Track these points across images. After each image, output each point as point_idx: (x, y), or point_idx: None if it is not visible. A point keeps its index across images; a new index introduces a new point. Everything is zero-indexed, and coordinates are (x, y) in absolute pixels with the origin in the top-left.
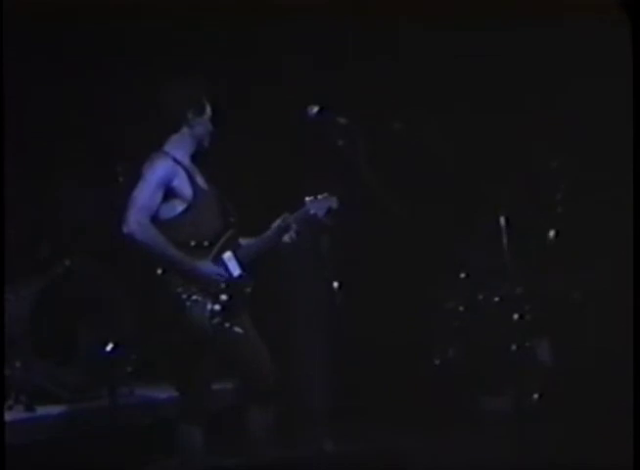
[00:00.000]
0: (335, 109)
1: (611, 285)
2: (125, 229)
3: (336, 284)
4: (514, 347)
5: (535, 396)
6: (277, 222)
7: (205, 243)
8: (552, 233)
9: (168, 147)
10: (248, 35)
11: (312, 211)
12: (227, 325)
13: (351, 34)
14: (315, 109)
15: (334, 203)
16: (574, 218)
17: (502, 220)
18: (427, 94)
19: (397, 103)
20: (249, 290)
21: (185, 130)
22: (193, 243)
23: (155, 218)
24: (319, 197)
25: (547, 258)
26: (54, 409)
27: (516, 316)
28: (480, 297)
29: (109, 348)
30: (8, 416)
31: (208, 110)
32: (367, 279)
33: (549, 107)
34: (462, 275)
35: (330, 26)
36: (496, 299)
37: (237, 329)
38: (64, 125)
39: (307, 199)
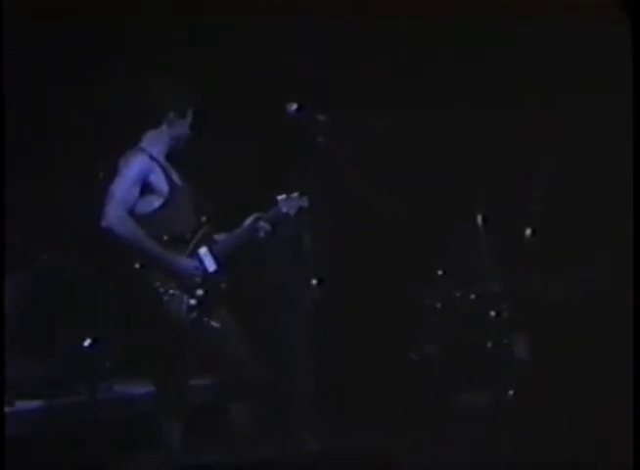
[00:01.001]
0: (315, 106)
1: (588, 282)
2: (104, 223)
3: (315, 281)
4: (491, 344)
5: (512, 392)
6: (249, 220)
7: (182, 238)
8: (529, 231)
9: (145, 143)
10: (231, 34)
11: (284, 210)
12: (204, 320)
13: (342, 33)
14: (294, 106)
15: (305, 202)
16: (553, 217)
17: (479, 219)
18: (412, 94)
19: (379, 102)
20: (224, 285)
21: (164, 129)
22: (169, 238)
23: (132, 213)
24: (291, 196)
25: (525, 256)
26: (33, 404)
27: (493, 313)
28: (458, 294)
29: (87, 343)
30: None
31: (190, 113)
32: (345, 276)
33: (548, 107)
34: (439, 272)
35: (313, 25)
36: (473, 296)
37: (214, 323)
38: (45, 121)
39: (279, 197)
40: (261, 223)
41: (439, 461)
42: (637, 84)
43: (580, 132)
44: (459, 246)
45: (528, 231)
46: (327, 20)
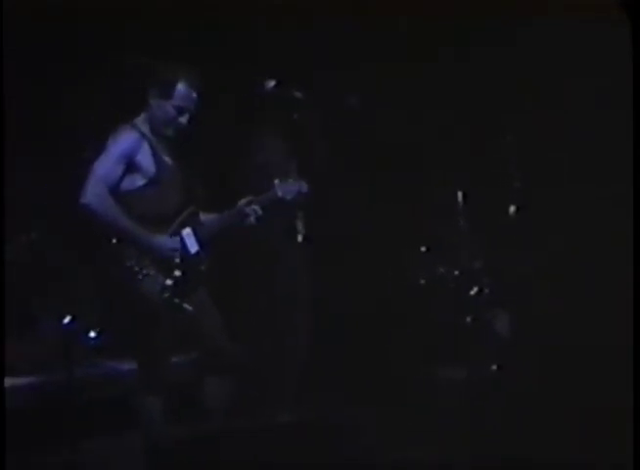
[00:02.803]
0: (293, 83)
1: (570, 258)
2: (82, 200)
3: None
4: (474, 320)
5: (494, 367)
6: (241, 203)
7: (165, 218)
8: (512, 208)
9: (138, 120)
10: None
11: (280, 194)
12: (177, 301)
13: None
14: (272, 83)
15: (304, 187)
16: (534, 194)
17: (460, 195)
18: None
19: (357, 78)
20: (203, 267)
21: (150, 110)
22: (152, 217)
23: (115, 190)
24: (289, 180)
25: (508, 233)
26: (14, 382)
27: (476, 290)
28: (442, 270)
29: (66, 320)
30: None
31: (176, 96)
32: (328, 253)
33: (548, 107)
34: (423, 249)
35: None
36: (457, 272)
37: (186, 306)
38: (28, 96)
39: (276, 181)
40: (253, 207)
41: (422, 436)
42: (637, 84)
43: (580, 132)
44: (443, 222)
45: (512, 208)
46: (327, 20)
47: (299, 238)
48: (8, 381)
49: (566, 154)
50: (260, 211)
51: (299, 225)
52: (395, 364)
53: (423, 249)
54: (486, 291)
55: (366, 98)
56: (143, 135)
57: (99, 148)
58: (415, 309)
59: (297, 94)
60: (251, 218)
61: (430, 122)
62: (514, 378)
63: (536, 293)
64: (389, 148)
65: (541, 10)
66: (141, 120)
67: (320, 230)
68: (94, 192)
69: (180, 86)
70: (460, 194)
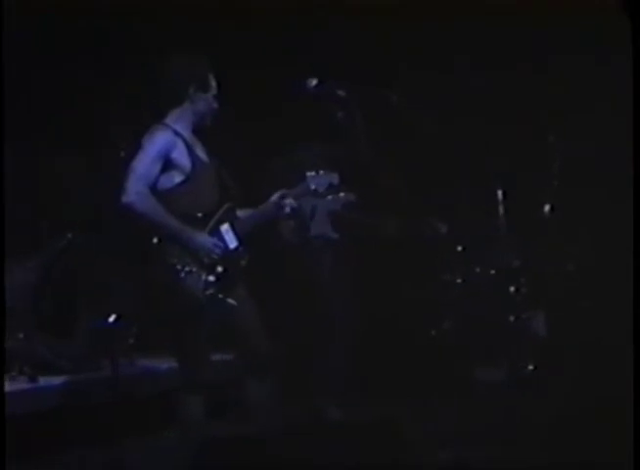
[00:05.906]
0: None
1: (606, 258)
2: (124, 199)
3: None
4: (510, 319)
5: (530, 367)
6: (275, 196)
7: (204, 214)
8: (547, 207)
9: (169, 119)
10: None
11: (313, 187)
12: (220, 297)
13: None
14: (314, 81)
15: (335, 179)
16: (571, 192)
17: (500, 194)
18: (426, 70)
19: (395, 76)
20: (244, 262)
21: (187, 105)
22: (191, 214)
23: (153, 189)
24: (320, 172)
25: (543, 232)
26: (56, 380)
27: (512, 289)
28: (477, 269)
29: (112, 319)
30: (12, 386)
31: (213, 87)
32: (364, 251)
33: (548, 106)
34: (459, 248)
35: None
36: (493, 271)
37: (230, 301)
38: (64, 98)
39: (308, 174)
40: (287, 200)
41: (459, 435)
42: (637, 84)
43: (581, 132)
44: (479, 221)
45: (547, 207)
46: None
47: (334, 235)
48: (52, 378)
49: (566, 153)
50: (295, 204)
51: (333, 222)
52: (433, 363)
53: (459, 248)
54: (523, 290)
55: (403, 96)
56: (176, 133)
57: (134, 149)
58: (452, 308)
59: (335, 92)
60: (287, 210)
61: (466, 122)
62: (545, 378)
63: (572, 292)
64: (425, 147)
65: (541, 10)
66: (172, 119)
67: (356, 227)
68: (136, 190)
69: (212, 78)
70: (500, 193)
